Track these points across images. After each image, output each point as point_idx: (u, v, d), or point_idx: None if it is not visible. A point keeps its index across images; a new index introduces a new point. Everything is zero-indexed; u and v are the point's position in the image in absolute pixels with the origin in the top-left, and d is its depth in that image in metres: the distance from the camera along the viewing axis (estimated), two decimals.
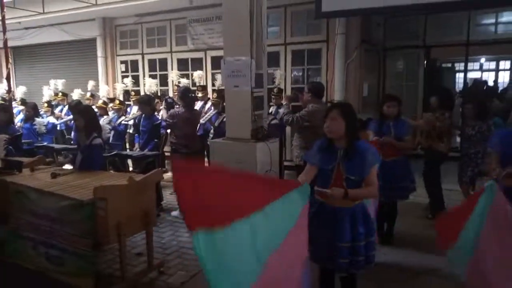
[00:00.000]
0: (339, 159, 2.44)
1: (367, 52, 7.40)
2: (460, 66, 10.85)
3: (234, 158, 3.58)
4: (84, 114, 4.07)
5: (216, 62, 7.89)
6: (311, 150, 2.63)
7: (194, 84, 8.08)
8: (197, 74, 7.57)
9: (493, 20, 7.51)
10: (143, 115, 5.62)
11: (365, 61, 7.29)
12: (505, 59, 15.11)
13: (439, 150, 4.78)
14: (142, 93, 8.40)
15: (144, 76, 9.10)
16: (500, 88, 13.00)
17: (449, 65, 12.65)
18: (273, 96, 6.31)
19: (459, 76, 10.79)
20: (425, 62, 8.17)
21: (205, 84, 7.71)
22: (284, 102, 5.92)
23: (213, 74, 7.91)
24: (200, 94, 7.02)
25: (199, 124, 6.07)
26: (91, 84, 8.62)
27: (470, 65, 12.70)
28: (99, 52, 9.45)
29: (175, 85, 7.83)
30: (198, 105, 6.84)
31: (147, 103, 5.59)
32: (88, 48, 9.88)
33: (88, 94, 8.21)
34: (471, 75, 13.39)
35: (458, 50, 8.28)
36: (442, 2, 4.81)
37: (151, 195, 3.58)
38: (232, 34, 3.75)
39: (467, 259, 2.40)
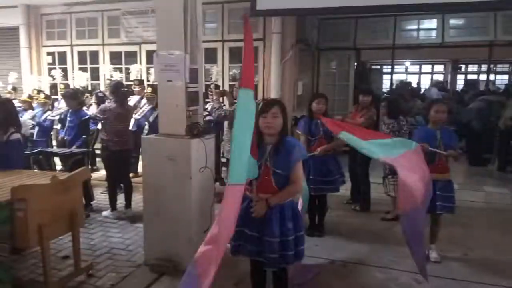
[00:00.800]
0: (267, 154, 2.50)
1: (302, 52, 7.63)
2: (387, 68, 11.59)
3: (167, 155, 3.51)
4: (0, 108, 3.75)
5: (152, 56, 7.63)
6: None
7: (127, 78, 7.78)
8: (134, 68, 7.30)
9: (415, 26, 8.10)
10: (70, 110, 5.32)
11: (300, 60, 7.51)
12: (427, 63, 16.44)
13: None
14: (72, 87, 7.93)
15: (73, 69, 8.58)
16: (422, 89, 14.17)
17: (378, 66, 13.47)
18: (210, 93, 6.28)
19: (387, 78, 11.53)
20: (355, 63, 8.61)
21: (142, 78, 7.45)
22: (214, 97, 5.98)
23: (148, 69, 7.68)
24: (136, 89, 6.77)
25: (133, 120, 5.87)
26: (13, 76, 7.95)
27: (397, 68, 13.62)
28: (23, 42, 8.74)
29: (107, 79, 7.47)
30: (134, 99, 6.61)
31: (73, 97, 5.32)
32: (10, 38, 9.10)
33: (10, 87, 7.57)
34: (397, 77, 14.40)
35: (385, 53, 8.84)
36: (369, 6, 5.05)
37: (77, 194, 3.39)
38: (165, 27, 3.65)
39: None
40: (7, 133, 3.63)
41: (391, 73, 10.08)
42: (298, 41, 7.15)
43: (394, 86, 10.86)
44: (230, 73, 7.49)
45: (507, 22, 7.35)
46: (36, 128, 6.22)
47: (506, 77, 15.19)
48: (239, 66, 7.53)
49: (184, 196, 3.45)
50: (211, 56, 7.06)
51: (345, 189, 5.03)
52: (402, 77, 15.84)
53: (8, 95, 7.08)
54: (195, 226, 3.49)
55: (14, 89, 7.59)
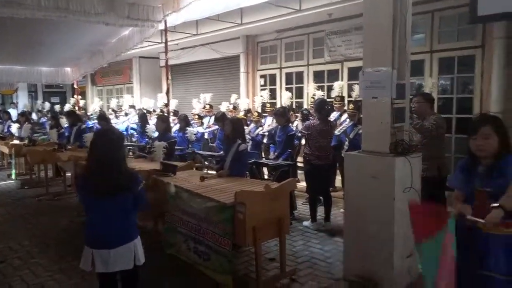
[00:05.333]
0: (479, 176, 2.25)
1: None
2: None
3: (370, 173, 3.45)
4: (233, 123, 4.49)
5: (353, 73, 7.76)
6: (455, 173, 2.47)
7: (329, 96, 8.09)
8: (337, 84, 7.52)
9: None
10: (279, 126, 5.86)
11: None
12: None
13: None
14: (278, 105, 8.76)
15: (281, 89, 9.48)
16: None
17: None
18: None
19: None
20: None
21: (343, 95, 7.61)
22: None
23: (349, 85, 7.79)
24: (337, 105, 6.97)
25: (333, 136, 6.04)
26: (233, 97, 9.38)
27: None
28: (242, 68, 10.21)
29: (311, 97, 7.95)
30: (333, 115, 6.82)
31: (282, 114, 5.81)
32: (232, 65, 10.77)
33: (231, 107, 8.94)
34: None
35: None
36: None
37: (285, 203, 3.69)
38: (373, 44, 3.62)
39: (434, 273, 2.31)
40: (235, 144, 4.31)
41: None
42: None
43: None
44: (439, 83, 6.86)
45: None
46: (250, 142, 7.11)
47: None
48: (449, 78, 6.83)
49: (387, 217, 3.31)
50: (417, 69, 6.62)
51: None
52: None
53: (230, 114, 8.38)
54: (397, 249, 3.31)
55: (235, 108, 8.91)
